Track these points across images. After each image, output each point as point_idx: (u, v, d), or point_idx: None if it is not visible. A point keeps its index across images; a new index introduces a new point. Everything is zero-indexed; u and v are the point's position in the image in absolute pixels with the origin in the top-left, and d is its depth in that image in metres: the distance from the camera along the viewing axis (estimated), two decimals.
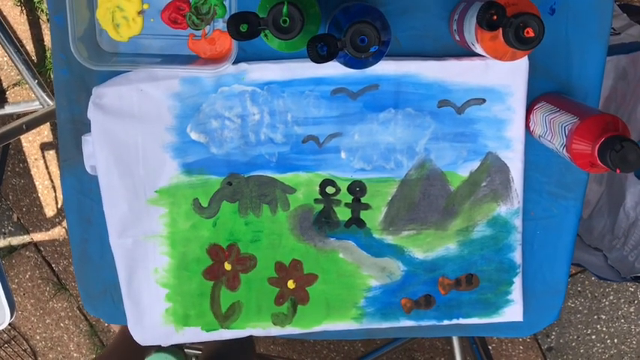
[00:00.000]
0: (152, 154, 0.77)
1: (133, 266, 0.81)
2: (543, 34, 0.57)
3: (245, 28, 0.56)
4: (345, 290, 0.82)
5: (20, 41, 1.51)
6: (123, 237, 0.79)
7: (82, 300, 0.84)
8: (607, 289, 1.61)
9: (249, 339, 1.09)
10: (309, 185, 0.79)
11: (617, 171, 0.58)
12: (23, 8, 1.51)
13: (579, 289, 1.61)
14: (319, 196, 0.80)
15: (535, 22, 0.56)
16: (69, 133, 0.79)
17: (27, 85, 1.50)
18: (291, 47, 0.64)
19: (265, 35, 0.62)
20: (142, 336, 0.83)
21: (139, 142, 0.77)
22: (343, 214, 0.80)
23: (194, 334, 0.83)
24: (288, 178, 0.79)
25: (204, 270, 0.82)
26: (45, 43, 1.53)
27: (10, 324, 1.69)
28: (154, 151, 0.77)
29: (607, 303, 1.61)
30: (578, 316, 1.62)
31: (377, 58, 0.62)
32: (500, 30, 0.58)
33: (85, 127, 0.77)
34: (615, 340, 1.63)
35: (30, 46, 1.52)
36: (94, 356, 1.70)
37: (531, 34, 0.57)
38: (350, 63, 0.63)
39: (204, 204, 0.80)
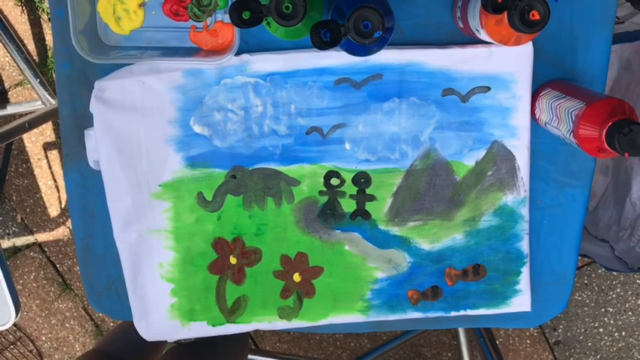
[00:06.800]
0: (155, 147, 0.77)
1: (137, 261, 0.80)
2: (549, 17, 0.57)
3: (247, 15, 0.55)
4: (351, 282, 0.82)
5: (21, 40, 1.51)
6: (127, 231, 0.79)
7: (86, 296, 0.84)
8: (614, 282, 1.60)
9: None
10: (313, 177, 0.79)
11: (626, 155, 0.58)
12: (24, 8, 1.51)
13: (586, 281, 1.60)
14: (324, 188, 0.79)
15: (540, 5, 0.56)
16: (71, 127, 0.78)
17: (29, 85, 1.50)
18: (294, 34, 0.63)
19: (268, 23, 0.62)
20: (147, 331, 0.83)
21: (142, 136, 0.76)
22: (348, 205, 0.80)
23: (200, 329, 0.83)
24: (293, 170, 0.78)
25: (210, 264, 0.81)
26: (46, 43, 1.53)
27: (15, 325, 1.70)
28: (156, 144, 0.77)
29: (614, 296, 1.61)
30: (585, 309, 1.61)
31: (380, 44, 0.61)
32: (506, 13, 0.58)
33: (88, 121, 0.77)
34: (623, 333, 1.62)
35: (31, 46, 1.52)
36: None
37: (537, 17, 0.56)
38: (353, 50, 0.62)
39: (209, 197, 0.79)
